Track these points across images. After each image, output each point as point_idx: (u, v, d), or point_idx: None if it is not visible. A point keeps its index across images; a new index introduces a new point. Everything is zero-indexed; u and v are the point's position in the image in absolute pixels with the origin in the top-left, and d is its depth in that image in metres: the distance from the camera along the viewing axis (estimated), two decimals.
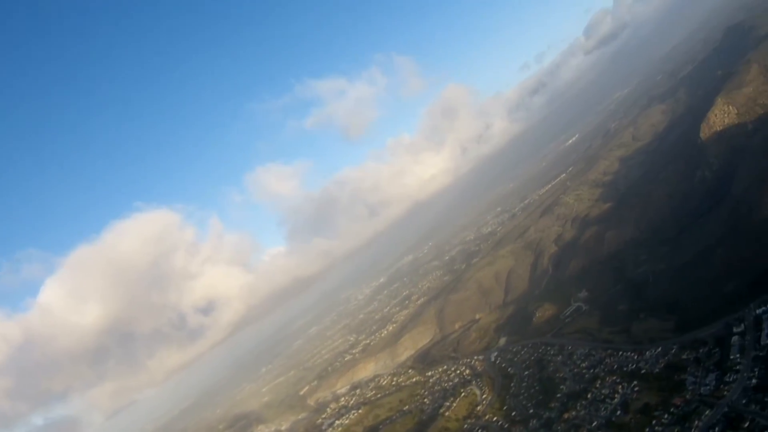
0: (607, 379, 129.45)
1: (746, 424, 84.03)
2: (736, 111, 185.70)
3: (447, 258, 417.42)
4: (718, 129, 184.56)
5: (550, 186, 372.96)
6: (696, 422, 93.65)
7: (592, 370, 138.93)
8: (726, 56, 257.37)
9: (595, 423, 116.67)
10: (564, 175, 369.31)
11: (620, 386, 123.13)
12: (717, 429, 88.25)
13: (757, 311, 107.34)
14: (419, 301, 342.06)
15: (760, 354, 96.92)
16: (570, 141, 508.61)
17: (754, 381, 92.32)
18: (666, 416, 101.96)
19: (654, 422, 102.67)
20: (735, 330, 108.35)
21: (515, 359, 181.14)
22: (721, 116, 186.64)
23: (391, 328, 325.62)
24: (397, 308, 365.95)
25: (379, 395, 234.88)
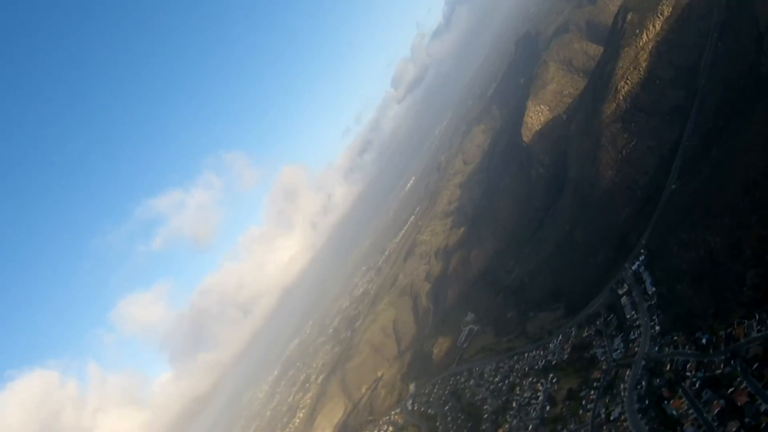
0: (524, 382, 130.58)
1: (668, 367, 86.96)
2: (547, 108, 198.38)
3: (331, 330, 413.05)
4: (537, 128, 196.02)
5: (403, 231, 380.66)
6: (622, 386, 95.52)
7: (506, 381, 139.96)
8: (524, 64, 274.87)
9: (531, 426, 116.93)
10: (413, 217, 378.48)
11: (539, 384, 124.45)
12: (643, 382, 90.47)
13: (633, 268, 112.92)
14: (319, 380, 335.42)
15: (652, 302, 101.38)
16: (409, 185, 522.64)
17: (657, 328, 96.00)
18: (592, 393, 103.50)
19: (584, 402, 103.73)
20: (621, 292, 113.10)
21: (431, 399, 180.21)
22: (536, 117, 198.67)
23: (301, 414, 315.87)
24: (300, 394, 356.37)
25: None
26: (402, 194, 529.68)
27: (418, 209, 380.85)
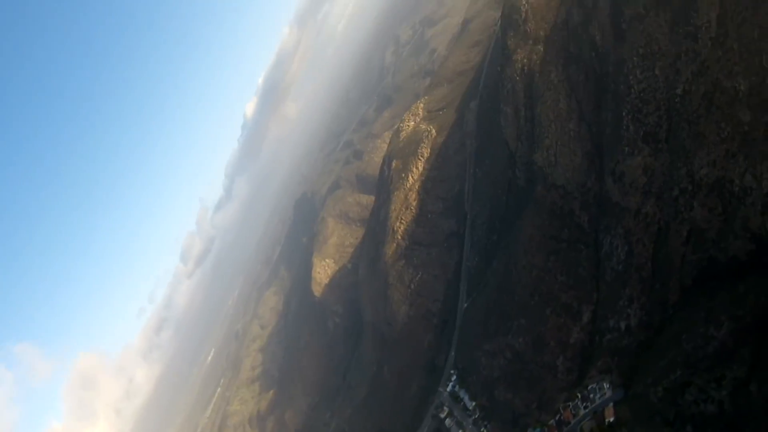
0: None
1: None
2: (332, 260, 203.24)
3: None
4: (326, 281, 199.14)
5: (212, 405, 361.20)
6: None
7: None
8: (304, 224, 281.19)
9: None
10: (219, 388, 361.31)
11: None
12: None
13: (448, 389, 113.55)
14: None
15: (476, 416, 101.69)
16: (209, 357, 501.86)
17: None
18: None
19: None
20: (442, 416, 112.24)
21: None
22: (323, 271, 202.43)
23: None
24: None
25: None
26: (204, 368, 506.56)
27: (222, 380, 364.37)
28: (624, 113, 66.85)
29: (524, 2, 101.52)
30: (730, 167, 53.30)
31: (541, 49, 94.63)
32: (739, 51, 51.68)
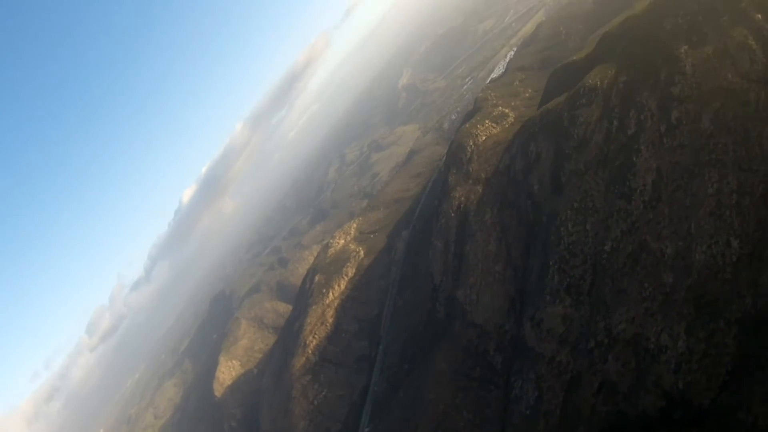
0: None
1: None
2: (239, 363, 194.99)
3: None
4: (229, 383, 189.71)
5: None
6: None
7: None
8: (217, 321, 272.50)
9: None
10: None
11: None
12: None
13: None
14: None
15: None
16: None
17: None
18: None
19: None
20: None
21: None
22: (228, 372, 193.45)
23: None
24: None
25: None
26: None
27: None
28: (551, 262, 66.48)
29: (471, 143, 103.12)
30: (648, 325, 52.66)
31: (480, 190, 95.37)
32: (669, 216, 52.60)
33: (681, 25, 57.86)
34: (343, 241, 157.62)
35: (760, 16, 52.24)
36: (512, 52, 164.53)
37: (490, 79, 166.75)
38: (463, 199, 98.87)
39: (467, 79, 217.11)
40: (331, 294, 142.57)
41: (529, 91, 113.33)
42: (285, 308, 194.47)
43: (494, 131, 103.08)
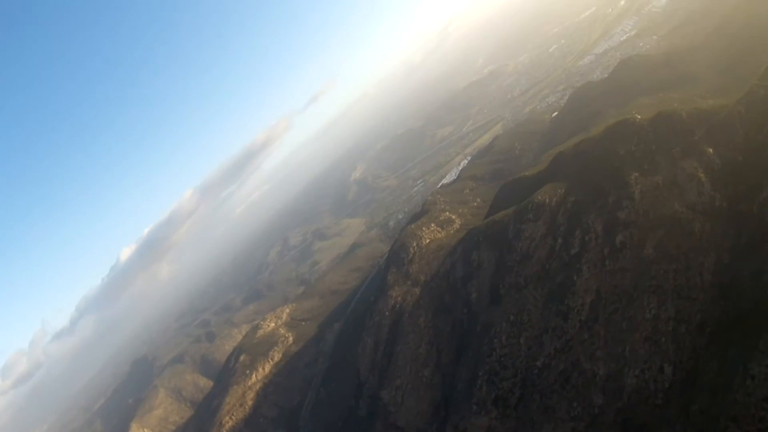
0: None
1: None
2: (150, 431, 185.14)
3: None
4: None
5: None
6: None
7: None
8: (135, 385, 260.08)
9: None
10: None
11: None
12: None
13: None
14: None
15: None
16: None
17: None
18: None
19: None
20: None
21: None
22: None
23: None
24: None
25: None
26: None
27: None
28: (481, 372, 63.67)
29: (414, 244, 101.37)
30: None
31: (418, 292, 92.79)
32: (604, 337, 51.22)
33: (634, 153, 57.87)
34: (273, 324, 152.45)
35: (711, 150, 52.43)
36: (466, 161, 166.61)
37: (441, 184, 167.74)
38: (399, 298, 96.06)
39: (419, 181, 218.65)
40: (254, 376, 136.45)
41: (478, 200, 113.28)
42: (206, 383, 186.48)
43: (439, 235, 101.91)
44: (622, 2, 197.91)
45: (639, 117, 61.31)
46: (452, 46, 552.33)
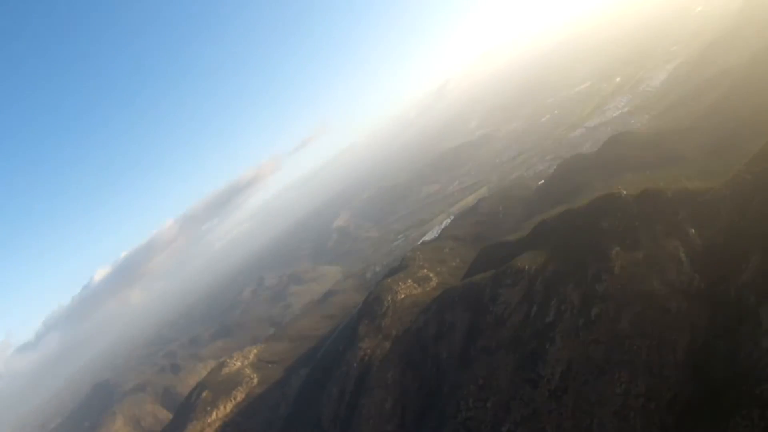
0: None
1: None
2: None
3: None
4: None
5: None
6: None
7: None
8: (94, 409, 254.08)
9: None
10: None
11: None
12: None
13: None
14: None
15: None
16: None
17: None
18: None
19: None
20: None
21: None
22: None
23: None
24: None
25: None
26: None
27: None
28: None
29: (389, 298, 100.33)
30: None
31: (388, 346, 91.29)
32: (573, 409, 50.24)
33: (616, 227, 57.80)
34: (240, 363, 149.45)
35: (694, 231, 52.72)
36: (449, 220, 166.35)
37: (422, 240, 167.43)
38: (369, 351, 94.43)
39: (400, 236, 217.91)
40: (214, 414, 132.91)
41: (457, 260, 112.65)
42: (165, 415, 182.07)
43: (415, 291, 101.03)
44: (618, 79, 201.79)
45: (625, 192, 61.48)
46: (448, 105, 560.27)
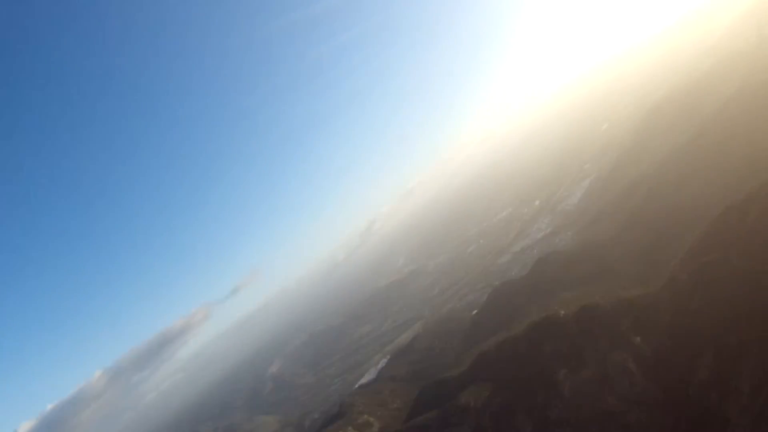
0: None
1: None
2: None
3: None
4: None
5: None
6: None
7: None
8: None
9: None
10: None
11: None
12: None
13: None
14: None
15: None
16: None
17: None
18: None
19: None
20: None
21: None
22: None
23: None
24: None
25: None
26: None
27: None
28: None
29: None
30: None
31: None
32: None
33: (560, 349, 55.40)
34: None
35: (639, 339, 51.28)
36: (385, 360, 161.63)
37: (359, 383, 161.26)
38: None
39: (336, 380, 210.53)
40: None
41: (398, 402, 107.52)
42: None
43: None
44: (537, 203, 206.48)
45: (563, 312, 59.63)
46: (375, 245, 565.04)
